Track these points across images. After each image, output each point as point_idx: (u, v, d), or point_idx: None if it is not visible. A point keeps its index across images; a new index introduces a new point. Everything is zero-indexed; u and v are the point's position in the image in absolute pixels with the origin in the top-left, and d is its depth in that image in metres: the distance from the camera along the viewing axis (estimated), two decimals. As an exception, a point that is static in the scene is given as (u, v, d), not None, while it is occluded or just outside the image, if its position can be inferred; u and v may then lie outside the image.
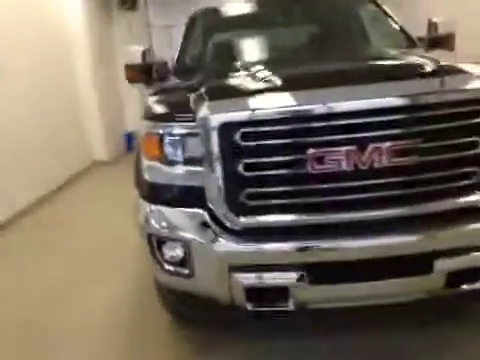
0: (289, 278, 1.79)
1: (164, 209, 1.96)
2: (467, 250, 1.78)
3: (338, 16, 3.37)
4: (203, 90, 1.91)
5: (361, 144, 1.68)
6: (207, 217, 1.85)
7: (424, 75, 1.79)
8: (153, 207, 1.99)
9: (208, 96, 1.83)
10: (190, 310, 2.25)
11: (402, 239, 1.74)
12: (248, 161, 1.75)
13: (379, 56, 2.39)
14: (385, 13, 3.29)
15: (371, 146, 1.67)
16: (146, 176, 2.01)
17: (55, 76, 6.14)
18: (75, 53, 6.72)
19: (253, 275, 1.81)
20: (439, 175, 1.75)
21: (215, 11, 3.56)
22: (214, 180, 1.79)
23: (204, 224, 1.86)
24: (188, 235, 1.88)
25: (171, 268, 1.98)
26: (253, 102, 1.74)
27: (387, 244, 1.74)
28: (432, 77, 1.77)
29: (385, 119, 1.68)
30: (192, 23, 3.51)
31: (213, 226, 1.84)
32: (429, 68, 1.84)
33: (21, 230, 4.33)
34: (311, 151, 1.69)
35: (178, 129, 1.87)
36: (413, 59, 2.03)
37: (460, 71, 1.83)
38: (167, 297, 2.31)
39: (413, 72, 1.85)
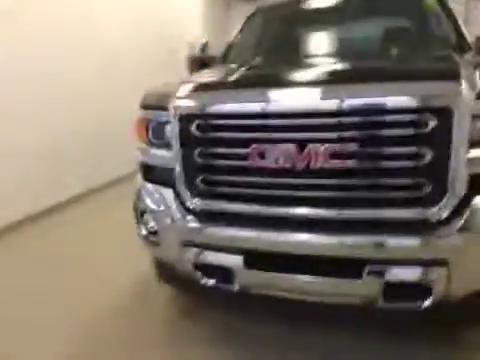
0: (229, 260, 1.95)
1: (148, 185, 2.27)
2: (404, 263, 1.74)
3: (383, 15, 3.24)
4: (182, 83, 2.15)
5: (299, 144, 1.75)
6: (172, 195, 2.11)
7: (380, 80, 1.76)
8: (141, 182, 2.31)
9: (180, 90, 2.06)
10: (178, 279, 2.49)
11: (332, 240, 1.77)
12: (201, 150, 1.95)
13: (381, 59, 2.31)
14: (446, 12, 3.05)
15: (309, 147, 1.74)
16: (138, 156, 2.34)
17: (167, 69, 6.90)
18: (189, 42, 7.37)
19: (200, 252, 2.02)
20: (379, 183, 1.73)
21: (271, 9, 3.69)
22: (178, 163, 2.04)
23: (170, 201, 2.12)
24: (158, 209, 2.16)
25: (148, 236, 2.29)
26: (207, 98, 1.93)
27: (318, 243, 1.80)
28: (386, 82, 1.73)
29: (324, 121, 1.72)
30: (248, 19, 3.71)
31: (175, 204, 2.09)
32: (397, 73, 1.81)
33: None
34: (253, 146, 1.83)
35: (157, 117, 2.14)
36: (403, 63, 1.96)
37: (431, 77, 1.75)
38: (158, 266, 2.59)
39: (373, 76, 1.82)
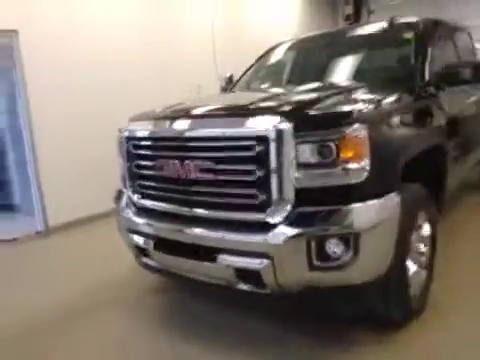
0: (146, 243, 2.68)
1: (121, 187, 3.12)
2: (243, 254, 2.24)
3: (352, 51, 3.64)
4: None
5: (181, 160, 2.42)
6: (127, 195, 2.93)
7: (231, 115, 2.35)
8: (119, 186, 3.18)
9: (132, 117, 2.89)
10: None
11: (192, 232, 2.39)
12: (135, 162, 2.74)
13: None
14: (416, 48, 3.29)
15: (185, 163, 2.39)
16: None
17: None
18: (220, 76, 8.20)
19: (134, 236, 2.79)
20: (228, 192, 2.29)
21: (280, 47, 4.29)
22: (127, 171, 2.86)
23: (126, 199, 2.94)
24: (119, 205, 3.00)
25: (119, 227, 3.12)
26: (134, 125, 2.72)
27: (189, 233, 2.42)
28: (228, 116, 2.33)
29: (192, 144, 2.37)
30: (264, 53, 4.36)
31: (127, 201, 2.90)
32: (248, 107, 2.38)
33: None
34: (158, 161, 2.55)
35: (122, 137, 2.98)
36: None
37: (264, 112, 2.27)
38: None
39: (231, 111, 2.42)
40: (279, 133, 2.10)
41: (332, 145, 2.08)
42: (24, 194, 5.96)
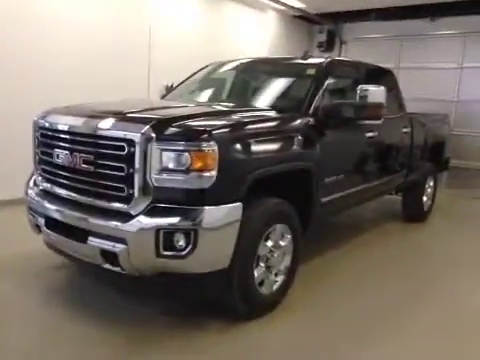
0: (40, 221, 3.05)
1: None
2: (108, 238, 2.63)
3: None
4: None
5: (70, 152, 2.81)
6: (33, 177, 3.31)
7: (114, 118, 2.74)
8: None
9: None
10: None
11: (71, 214, 2.79)
12: (41, 149, 3.13)
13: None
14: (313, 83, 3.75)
15: (73, 154, 2.79)
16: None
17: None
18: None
19: (34, 214, 3.15)
20: (103, 183, 2.69)
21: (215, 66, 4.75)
22: (35, 156, 3.24)
23: (33, 183, 3.32)
24: (28, 186, 3.36)
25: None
26: (47, 117, 3.11)
27: (70, 215, 2.81)
28: (108, 118, 2.73)
29: (76, 139, 2.80)
30: (198, 70, 4.80)
31: (32, 183, 3.29)
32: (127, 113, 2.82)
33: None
34: (55, 150, 2.94)
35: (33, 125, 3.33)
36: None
37: (140, 120, 2.69)
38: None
39: (116, 115, 2.80)
40: (144, 140, 2.51)
41: (187, 155, 2.50)
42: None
